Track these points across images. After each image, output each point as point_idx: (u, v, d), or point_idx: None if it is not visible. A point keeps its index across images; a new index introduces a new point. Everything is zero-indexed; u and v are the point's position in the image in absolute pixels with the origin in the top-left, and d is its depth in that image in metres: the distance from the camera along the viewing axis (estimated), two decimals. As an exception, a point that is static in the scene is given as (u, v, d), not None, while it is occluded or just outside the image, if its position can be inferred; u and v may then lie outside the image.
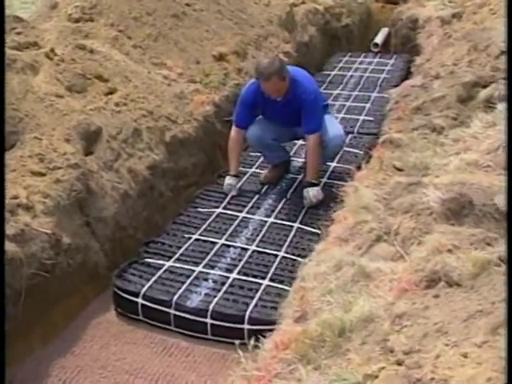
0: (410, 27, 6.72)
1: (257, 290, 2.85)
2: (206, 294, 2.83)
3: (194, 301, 2.79)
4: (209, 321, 2.72)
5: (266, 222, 3.47)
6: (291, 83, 3.47)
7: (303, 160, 4.07)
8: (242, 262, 3.08)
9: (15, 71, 3.32)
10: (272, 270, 3.01)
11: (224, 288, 2.87)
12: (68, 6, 4.48)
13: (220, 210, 3.58)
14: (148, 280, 2.92)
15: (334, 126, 3.75)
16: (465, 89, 3.32)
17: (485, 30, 4.12)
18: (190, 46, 4.77)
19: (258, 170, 4.08)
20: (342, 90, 5.81)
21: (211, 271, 3.00)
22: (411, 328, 1.48)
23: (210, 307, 2.73)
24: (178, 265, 3.05)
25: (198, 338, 2.75)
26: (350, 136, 4.59)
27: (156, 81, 4.16)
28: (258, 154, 4.15)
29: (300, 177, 3.98)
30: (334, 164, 4.13)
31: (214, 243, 3.24)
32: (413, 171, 2.62)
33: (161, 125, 3.80)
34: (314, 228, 3.33)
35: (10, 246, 2.42)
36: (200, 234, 3.31)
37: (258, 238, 3.29)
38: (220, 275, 2.98)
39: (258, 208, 3.62)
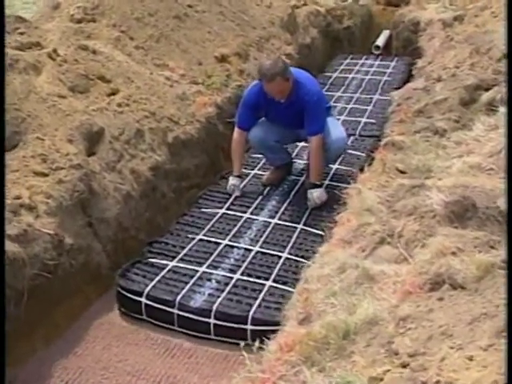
0: (412, 30, 6.72)
1: (260, 291, 2.86)
2: (209, 295, 2.84)
3: (198, 301, 2.80)
4: (212, 321, 2.72)
5: (269, 223, 3.47)
6: (294, 85, 3.47)
7: (305, 162, 4.08)
8: (246, 263, 3.08)
9: (18, 71, 3.31)
10: (275, 270, 3.02)
11: (227, 288, 2.88)
12: (70, 7, 4.48)
13: (224, 210, 3.58)
14: (152, 280, 2.92)
15: (336, 128, 3.75)
16: (467, 92, 3.32)
17: (487, 33, 4.13)
18: (192, 47, 4.78)
19: (260, 172, 4.08)
20: (343, 92, 5.82)
21: (215, 271, 3.01)
22: (416, 331, 1.48)
23: (214, 307, 2.74)
24: (182, 265, 3.05)
25: (200, 339, 2.75)
26: (351, 138, 4.59)
27: (158, 82, 4.16)
28: (260, 155, 4.15)
29: (302, 179, 3.98)
30: (335, 166, 4.13)
31: (218, 244, 3.24)
32: (415, 174, 2.62)
33: (163, 126, 3.80)
34: (317, 229, 3.34)
35: (12, 247, 2.42)
36: (204, 235, 3.32)
37: (262, 239, 3.30)
38: (223, 276, 2.98)
39: (262, 209, 3.63)
